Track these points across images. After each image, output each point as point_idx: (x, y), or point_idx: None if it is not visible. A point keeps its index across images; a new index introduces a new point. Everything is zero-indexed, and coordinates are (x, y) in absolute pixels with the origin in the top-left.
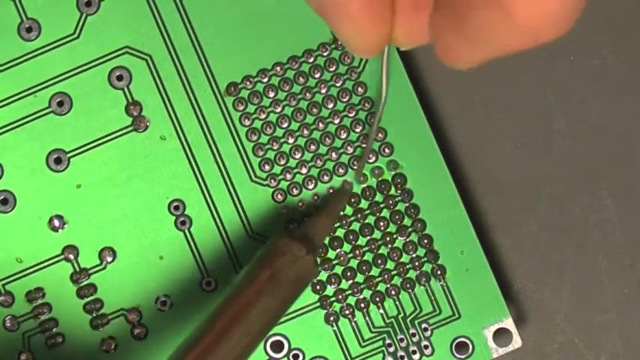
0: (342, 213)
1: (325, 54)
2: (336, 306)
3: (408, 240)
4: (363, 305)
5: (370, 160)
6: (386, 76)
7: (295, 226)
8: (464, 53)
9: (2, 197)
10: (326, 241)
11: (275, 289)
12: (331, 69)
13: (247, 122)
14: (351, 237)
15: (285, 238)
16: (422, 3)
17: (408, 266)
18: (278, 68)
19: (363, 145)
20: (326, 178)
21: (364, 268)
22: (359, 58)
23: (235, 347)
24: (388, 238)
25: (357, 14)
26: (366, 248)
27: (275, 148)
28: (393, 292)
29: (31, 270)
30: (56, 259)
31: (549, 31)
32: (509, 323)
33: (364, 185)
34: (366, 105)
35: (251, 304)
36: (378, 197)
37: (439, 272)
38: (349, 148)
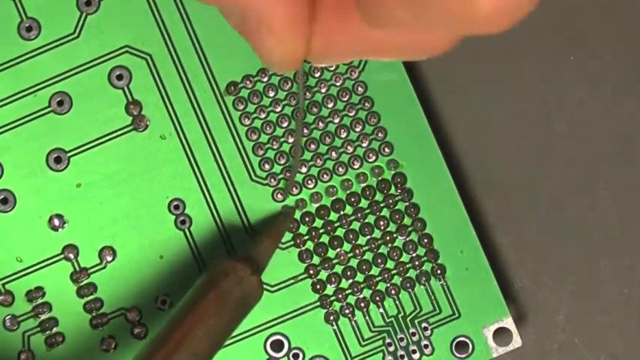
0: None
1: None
2: (336, 305)
3: (407, 239)
4: (363, 304)
5: (370, 160)
6: (302, 91)
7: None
8: (340, 43)
9: (2, 197)
10: (326, 241)
11: (221, 309)
12: (331, 68)
13: (247, 121)
14: (351, 236)
15: (229, 260)
16: (344, 13)
17: (408, 265)
18: None
19: (294, 158)
20: (326, 177)
21: (364, 267)
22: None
23: None
24: (388, 238)
25: (280, 29)
26: (366, 247)
27: (275, 147)
28: (393, 292)
29: (31, 269)
30: (56, 258)
31: (496, 22)
32: (509, 323)
33: (364, 185)
34: (366, 104)
35: (197, 326)
36: (378, 196)
37: (439, 271)
38: (349, 147)
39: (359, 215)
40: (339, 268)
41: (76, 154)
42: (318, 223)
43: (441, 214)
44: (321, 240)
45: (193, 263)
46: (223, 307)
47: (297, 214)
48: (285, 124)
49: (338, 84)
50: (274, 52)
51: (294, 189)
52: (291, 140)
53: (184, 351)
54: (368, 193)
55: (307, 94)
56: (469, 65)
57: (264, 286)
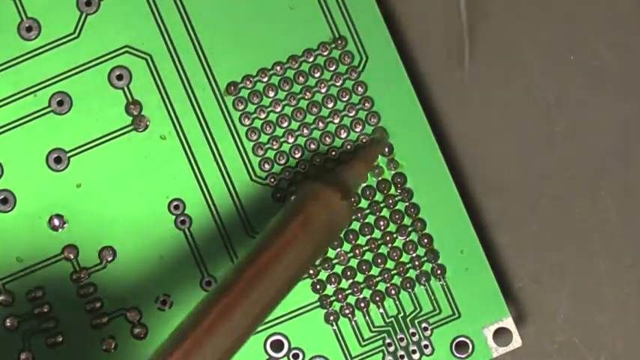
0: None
1: (325, 53)
2: (336, 305)
3: (407, 239)
4: (363, 305)
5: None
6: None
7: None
8: None
9: (2, 197)
10: None
11: (308, 233)
12: (331, 68)
13: (247, 121)
14: (351, 236)
15: (318, 183)
16: None
17: (408, 266)
18: (278, 68)
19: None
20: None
21: (364, 267)
22: (359, 57)
23: (271, 289)
24: (388, 238)
25: None
26: (366, 248)
27: (275, 147)
28: (393, 292)
29: (31, 269)
30: (56, 258)
31: None
32: (509, 323)
33: (364, 184)
34: (366, 104)
35: (286, 247)
36: (378, 197)
37: (439, 272)
38: (349, 147)
39: (359, 215)
40: (339, 268)
41: (76, 154)
42: None
43: (441, 214)
44: None
45: (193, 263)
46: (311, 231)
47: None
48: (285, 124)
49: (338, 84)
50: None
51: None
52: (291, 140)
53: (273, 272)
54: (368, 193)
55: (307, 94)
56: (469, 65)
57: None
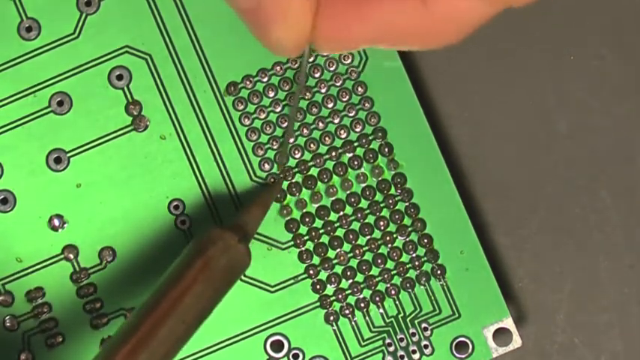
0: (273, 204)
1: (325, 53)
2: (336, 305)
3: (407, 239)
4: (363, 305)
5: (370, 160)
6: (305, 72)
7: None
8: (350, 26)
9: (2, 197)
10: (326, 241)
11: (208, 277)
12: (331, 68)
13: (247, 122)
14: (350, 236)
15: (216, 228)
16: None
17: (407, 266)
18: (278, 68)
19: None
20: (325, 177)
21: (364, 267)
22: (359, 57)
23: (170, 336)
24: (388, 238)
25: (297, 8)
26: (366, 248)
27: (275, 147)
28: (392, 292)
29: (31, 269)
30: (56, 258)
31: (448, 37)
32: (509, 323)
33: (364, 185)
34: (366, 104)
35: (185, 293)
36: (378, 197)
37: (439, 272)
38: (349, 147)
39: (359, 215)
40: (339, 269)
41: (76, 154)
42: (318, 223)
43: (441, 214)
44: (321, 240)
45: None
46: (210, 275)
47: (287, 199)
48: (285, 124)
49: (338, 84)
50: (285, 35)
51: (284, 159)
52: (291, 140)
53: (172, 318)
54: (368, 193)
55: (307, 94)
56: (469, 65)
57: (266, 286)
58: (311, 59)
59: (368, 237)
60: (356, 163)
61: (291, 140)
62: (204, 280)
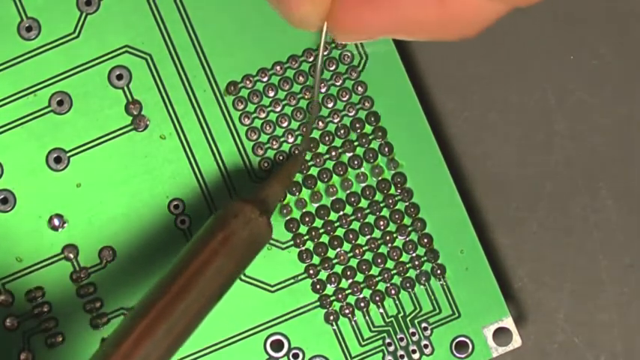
0: (294, 179)
1: (325, 53)
2: (336, 305)
3: (407, 239)
4: (362, 304)
5: (370, 160)
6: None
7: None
8: (366, 17)
9: (2, 196)
10: (326, 241)
11: (229, 250)
12: (331, 68)
13: (247, 121)
14: (350, 236)
15: (237, 201)
16: None
17: (407, 265)
18: (278, 67)
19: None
20: (326, 177)
21: (364, 267)
22: (359, 57)
23: (189, 309)
24: (388, 238)
25: None
26: (366, 247)
27: (275, 147)
28: (392, 292)
29: (31, 269)
30: (56, 258)
31: (464, 31)
32: (509, 322)
33: (364, 184)
34: (366, 104)
35: (206, 266)
36: (378, 196)
37: (439, 271)
38: (349, 146)
39: (359, 215)
40: (339, 268)
41: (76, 154)
42: (318, 223)
43: (441, 214)
44: (321, 240)
45: None
46: (232, 248)
47: (287, 198)
48: (285, 124)
49: (338, 84)
50: (310, 9)
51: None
52: (291, 140)
53: (192, 291)
54: (368, 193)
55: (307, 94)
56: (469, 65)
57: (266, 286)
58: (311, 59)
59: (368, 237)
60: (356, 162)
61: (291, 140)
62: (226, 254)
